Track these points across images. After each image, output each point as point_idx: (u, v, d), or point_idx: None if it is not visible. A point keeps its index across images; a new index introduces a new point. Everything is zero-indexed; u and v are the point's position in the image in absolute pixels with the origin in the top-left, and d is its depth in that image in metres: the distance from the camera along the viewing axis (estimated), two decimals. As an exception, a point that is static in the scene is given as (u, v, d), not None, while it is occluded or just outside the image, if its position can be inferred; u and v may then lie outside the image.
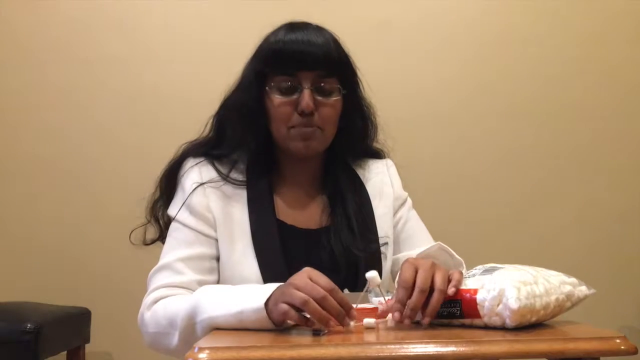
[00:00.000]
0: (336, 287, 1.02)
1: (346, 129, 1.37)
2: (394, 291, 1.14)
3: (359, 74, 1.39)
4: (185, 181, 1.33)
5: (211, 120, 1.40)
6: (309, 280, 1.02)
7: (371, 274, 1.06)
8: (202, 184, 1.32)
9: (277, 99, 1.30)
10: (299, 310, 1.01)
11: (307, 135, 1.29)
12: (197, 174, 1.34)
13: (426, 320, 1.02)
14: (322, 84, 1.29)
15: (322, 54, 1.28)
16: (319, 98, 1.29)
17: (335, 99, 1.31)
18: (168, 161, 1.40)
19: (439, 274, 1.03)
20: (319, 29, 1.33)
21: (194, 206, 1.31)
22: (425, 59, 2.70)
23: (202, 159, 1.36)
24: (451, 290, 1.02)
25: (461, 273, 1.06)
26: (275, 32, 1.33)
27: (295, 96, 1.29)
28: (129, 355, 2.50)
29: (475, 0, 2.72)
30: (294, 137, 1.30)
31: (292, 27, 1.33)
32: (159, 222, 1.39)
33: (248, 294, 1.09)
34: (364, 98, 1.42)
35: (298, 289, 1.01)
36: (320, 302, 0.99)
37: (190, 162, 1.36)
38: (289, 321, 1.04)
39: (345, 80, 1.33)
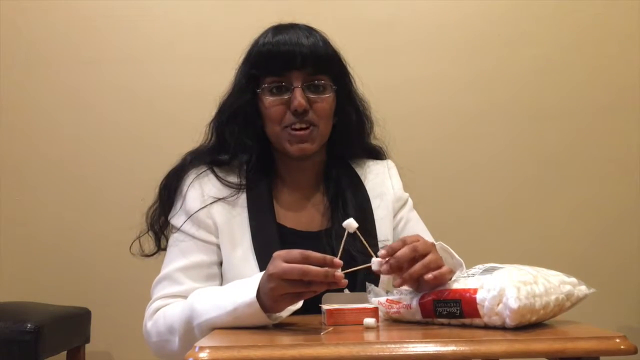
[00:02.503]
0: (309, 252, 1.03)
1: (342, 124, 1.38)
2: (394, 291, 1.14)
3: (350, 70, 1.40)
4: (188, 193, 1.33)
5: (210, 127, 1.40)
6: (284, 264, 1.02)
7: (348, 221, 1.08)
8: (204, 207, 1.32)
9: (268, 100, 1.31)
10: (296, 294, 1.04)
11: (302, 138, 1.30)
12: (197, 183, 1.34)
13: (397, 283, 1.06)
14: (313, 82, 1.30)
15: (311, 53, 1.29)
16: (311, 96, 1.30)
17: (328, 95, 1.32)
18: (170, 168, 1.40)
19: (432, 255, 1.07)
20: (306, 29, 1.34)
21: (194, 214, 1.32)
22: (420, 59, 2.69)
23: (204, 168, 1.36)
24: (428, 276, 1.04)
25: (452, 271, 1.08)
26: (263, 35, 1.35)
27: (286, 96, 1.30)
28: (129, 355, 2.50)
29: (469, 1, 2.73)
30: (288, 138, 1.31)
31: (279, 28, 1.34)
32: (157, 234, 1.38)
33: (239, 290, 1.10)
34: (358, 93, 1.43)
35: (281, 278, 1.02)
36: (305, 277, 1.01)
37: (192, 174, 1.36)
38: (291, 307, 1.08)
39: (336, 77, 1.34)
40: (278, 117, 1.30)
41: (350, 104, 1.39)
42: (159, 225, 1.37)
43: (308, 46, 1.29)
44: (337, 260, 1.02)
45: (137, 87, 2.65)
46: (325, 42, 1.34)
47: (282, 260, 1.03)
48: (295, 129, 1.30)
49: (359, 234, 1.09)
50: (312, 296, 1.06)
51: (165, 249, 1.36)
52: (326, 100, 1.32)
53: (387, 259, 1.06)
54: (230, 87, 1.39)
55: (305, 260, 1.02)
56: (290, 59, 1.28)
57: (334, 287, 1.02)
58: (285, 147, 1.31)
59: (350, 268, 1.08)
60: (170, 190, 1.36)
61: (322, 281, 1.01)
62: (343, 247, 1.08)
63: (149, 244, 1.39)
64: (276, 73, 1.30)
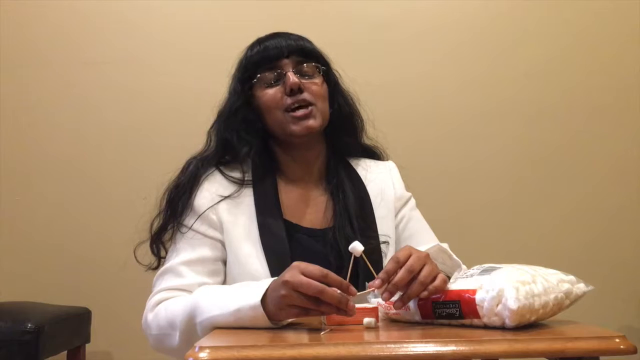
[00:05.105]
0: (329, 272, 1.03)
1: (337, 115, 1.42)
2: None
3: (334, 66, 1.45)
4: (197, 194, 1.35)
5: (212, 134, 1.43)
6: (303, 277, 1.02)
7: (354, 245, 1.08)
8: (212, 205, 1.33)
9: (264, 90, 1.36)
10: (303, 309, 1.04)
11: (304, 115, 1.34)
12: (206, 183, 1.36)
13: (397, 305, 1.06)
14: (302, 67, 1.36)
15: (297, 45, 1.37)
16: (303, 79, 1.35)
17: (318, 78, 1.38)
18: (174, 172, 1.40)
19: (427, 267, 1.07)
20: (290, 34, 1.41)
21: (199, 209, 1.33)
22: (419, 58, 2.70)
23: (212, 169, 1.39)
24: (424, 293, 1.05)
25: (446, 280, 1.08)
26: (250, 47, 1.42)
27: (280, 84, 1.35)
28: (129, 355, 2.51)
29: (467, 1, 2.73)
30: (292, 120, 1.34)
31: (264, 38, 1.41)
32: (163, 246, 1.37)
33: (244, 292, 1.10)
34: (345, 88, 1.48)
35: (295, 288, 1.02)
36: (320, 296, 1.01)
37: (202, 178, 1.37)
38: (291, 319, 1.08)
39: (323, 66, 1.40)
40: (276, 102, 1.35)
41: (340, 94, 1.45)
42: (163, 239, 1.37)
43: (294, 43, 1.38)
44: (352, 288, 1.03)
45: (137, 86, 2.65)
46: (310, 42, 1.41)
47: (301, 272, 1.03)
48: (296, 109, 1.34)
49: (364, 257, 1.09)
50: (317, 315, 1.06)
51: (164, 257, 1.37)
52: (317, 83, 1.37)
53: (385, 285, 1.06)
54: (226, 95, 1.43)
55: (323, 279, 1.02)
56: (279, 52, 1.36)
57: (342, 314, 1.03)
58: (290, 129, 1.34)
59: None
60: (183, 202, 1.35)
61: (334, 305, 1.01)
62: (351, 272, 1.08)
63: (149, 255, 1.38)
64: (268, 65, 1.36)
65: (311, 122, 1.34)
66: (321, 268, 1.03)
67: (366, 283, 1.18)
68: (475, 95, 2.69)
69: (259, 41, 1.41)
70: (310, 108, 1.34)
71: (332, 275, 1.03)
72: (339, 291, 1.02)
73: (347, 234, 1.33)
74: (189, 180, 1.37)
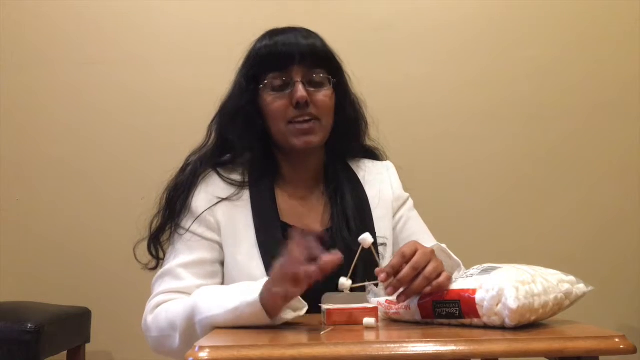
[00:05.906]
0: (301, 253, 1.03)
1: (341, 121, 1.40)
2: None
3: (346, 69, 1.43)
4: (195, 195, 1.35)
5: (210, 129, 1.42)
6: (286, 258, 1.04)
7: (364, 236, 1.08)
8: (210, 207, 1.33)
9: (270, 96, 1.33)
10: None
11: (306, 131, 1.32)
12: (204, 184, 1.36)
13: (401, 299, 1.07)
14: (312, 77, 1.33)
15: (309, 49, 1.33)
16: (312, 90, 1.32)
17: (327, 89, 1.35)
18: (174, 172, 1.40)
19: (432, 264, 1.07)
20: (303, 30, 1.37)
21: (197, 211, 1.33)
22: (419, 58, 2.69)
23: (208, 170, 1.38)
24: (427, 289, 1.05)
25: (450, 278, 1.08)
26: (260, 39, 1.38)
27: (288, 91, 1.32)
28: (129, 355, 2.51)
29: (468, 1, 2.73)
30: (293, 132, 1.32)
31: (276, 31, 1.37)
32: (161, 245, 1.37)
33: (242, 290, 1.11)
34: (353, 92, 1.46)
35: (281, 271, 1.04)
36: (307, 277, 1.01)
37: (199, 178, 1.37)
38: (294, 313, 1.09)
39: (333, 74, 1.38)
40: (281, 113, 1.32)
41: (348, 101, 1.42)
42: (161, 240, 1.37)
43: (306, 44, 1.33)
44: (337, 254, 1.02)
45: (137, 86, 2.65)
46: (322, 42, 1.38)
47: (284, 260, 1.05)
48: (299, 122, 1.32)
49: (373, 249, 1.10)
50: (309, 285, 1.04)
51: (163, 258, 1.37)
52: (326, 95, 1.34)
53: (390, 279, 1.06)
54: (230, 89, 1.41)
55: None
56: (290, 56, 1.31)
57: (329, 264, 1.01)
58: (291, 141, 1.33)
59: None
60: (181, 202, 1.35)
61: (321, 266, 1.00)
62: (356, 263, 1.09)
63: (147, 255, 1.38)
64: (276, 69, 1.32)
65: (311, 138, 1.32)
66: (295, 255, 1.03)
67: (371, 285, 1.17)
68: (475, 95, 2.69)
69: (270, 34, 1.37)
70: (313, 123, 1.32)
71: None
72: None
73: (344, 236, 1.32)
74: (187, 180, 1.36)
